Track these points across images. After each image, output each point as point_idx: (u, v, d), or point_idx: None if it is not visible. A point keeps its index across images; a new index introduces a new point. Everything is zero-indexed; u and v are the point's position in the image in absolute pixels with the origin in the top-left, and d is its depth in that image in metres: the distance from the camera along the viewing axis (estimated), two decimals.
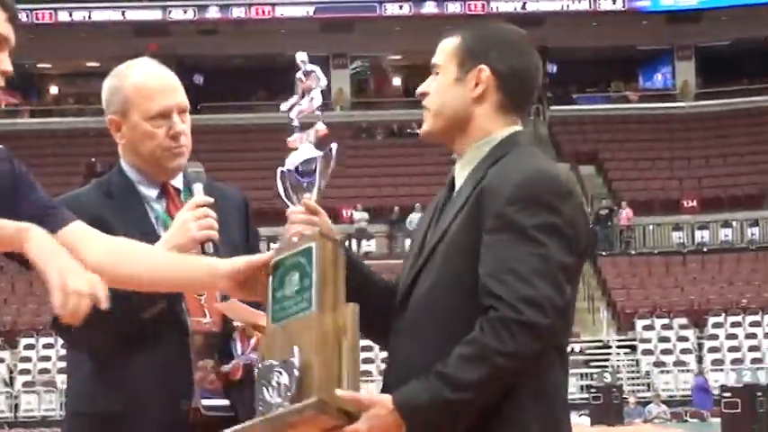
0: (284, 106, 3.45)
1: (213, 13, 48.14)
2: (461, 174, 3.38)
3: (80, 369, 3.69)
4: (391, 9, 48.08)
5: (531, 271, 3.08)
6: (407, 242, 43.54)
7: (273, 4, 48.06)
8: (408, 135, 49.30)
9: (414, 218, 44.33)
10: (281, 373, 3.12)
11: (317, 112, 3.44)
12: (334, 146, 3.37)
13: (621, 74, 49.72)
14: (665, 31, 47.80)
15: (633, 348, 36.27)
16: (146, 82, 3.79)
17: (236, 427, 3.25)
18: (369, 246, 43.99)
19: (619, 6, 47.21)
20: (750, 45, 47.18)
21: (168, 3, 48.35)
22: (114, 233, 3.55)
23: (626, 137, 46.39)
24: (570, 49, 47.86)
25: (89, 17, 47.33)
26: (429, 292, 3.29)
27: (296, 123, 3.47)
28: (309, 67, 3.43)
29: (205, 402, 3.66)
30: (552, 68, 50.20)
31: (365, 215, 44.29)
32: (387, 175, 45.67)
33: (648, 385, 33.99)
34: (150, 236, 3.67)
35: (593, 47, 47.81)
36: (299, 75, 3.44)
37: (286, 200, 3.43)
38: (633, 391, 33.74)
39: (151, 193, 3.81)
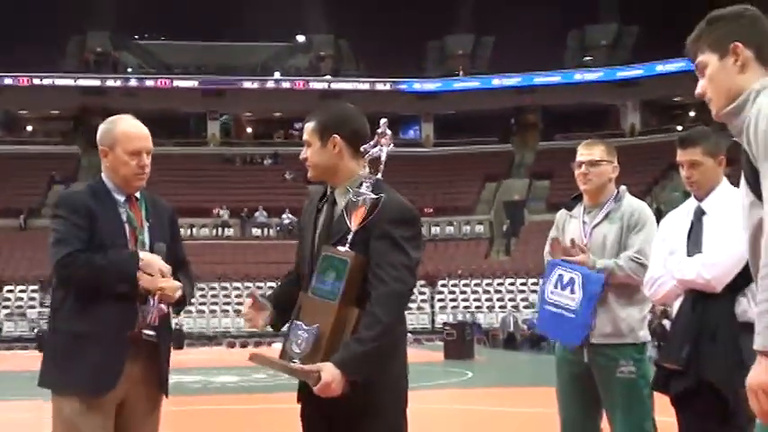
0: (363, 148, 3.40)
1: (133, 82, 47.53)
2: (341, 199, 3.39)
3: (63, 305, 3.70)
4: (246, 84, 48.06)
5: (400, 264, 3.23)
6: (254, 230, 43.57)
7: (172, 79, 47.71)
8: (256, 164, 49.06)
9: (258, 215, 44.19)
10: (304, 334, 3.25)
11: (382, 162, 3.41)
12: (382, 198, 3.30)
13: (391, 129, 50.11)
14: (416, 104, 48.47)
15: None
16: (129, 130, 3.87)
17: (268, 355, 3.47)
18: (229, 231, 43.71)
19: (387, 87, 47.74)
20: (469, 114, 48.14)
21: (104, 75, 47.74)
22: (97, 220, 3.70)
23: (391, 167, 46.64)
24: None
25: (53, 82, 46.25)
26: None
27: (365, 161, 3.43)
28: (387, 131, 3.42)
29: (144, 332, 3.73)
30: None
31: (227, 212, 44.02)
32: (241, 189, 45.35)
33: None
34: (119, 227, 3.77)
35: (372, 112, 47.97)
36: (379, 130, 3.42)
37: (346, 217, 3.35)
38: None
39: (120, 198, 3.81)
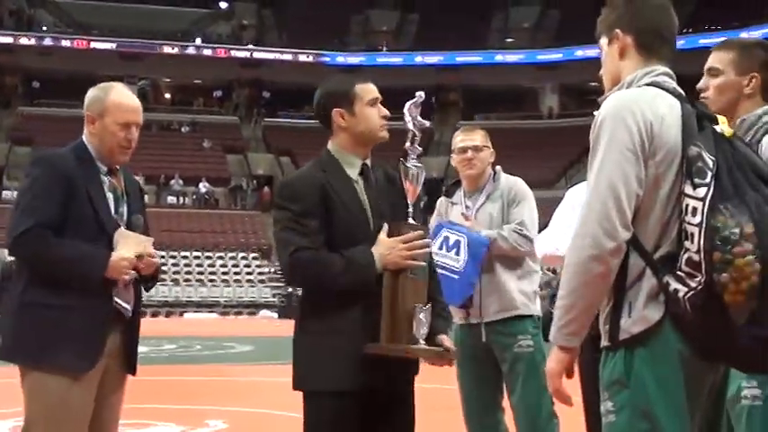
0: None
1: (48, 42, 46.38)
2: (377, 172, 3.36)
3: (33, 275, 3.45)
4: (166, 49, 47.35)
5: None
6: (169, 197, 43.08)
7: (89, 40, 46.71)
8: (173, 131, 48.45)
9: (174, 183, 43.67)
10: (425, 316, 3.16)
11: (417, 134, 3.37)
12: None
13: (309, 102, 49.16)
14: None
15: None
16: (122, 100, 3.64)
17: (392, 346, 3.17)
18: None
19: (310, 59, 47.53)
20: (390, 89, 47.78)
21: (17, 33, 46.38)
22: (79, 189, 3.47)
23: (311, 139, 46.59)
24: (282, 84, 48.18)
25: None
26: None
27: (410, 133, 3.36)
28: (420, 100, 3.36)
29: (121, 304, 3.56)
30: (267, 95, 50.29)
31: (142, 179, 43.38)
32: (157, 155, 44.74)
33: None
34: (103, 197, 3.55)
35: (293, 83, 47.98)
36: (411, 102, 3.35)
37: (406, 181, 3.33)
38: None
39: (103, 168, 3.60)
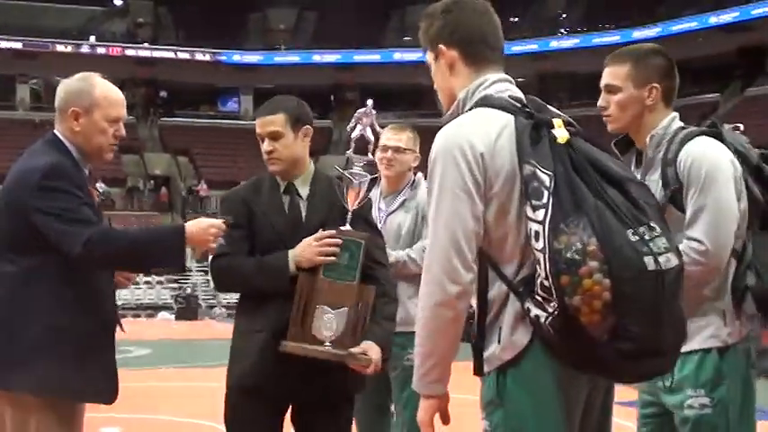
0: (348, 127, 3.40)
1: None
2: (303, 189, 3.47)
3: (51, 299, 3.13)
4: (59, 47, 46.18)
5: (384, 247, 3.73)
6: None
7: None
8: None
9: None
10: (333, 317, 3.23)
11: (370, 141, 3.45)
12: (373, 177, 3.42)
13: (206, 101, 49.49)
14: (235, 76, 47.95)
15: (207, 272, 36.17)
16: (111, 93, 3.34)
17: (302, 345, 3.22)
18: None
19: (207, 58, 47.03)
20: (289, 88, 47.84)
21: None
22: (83, 188, 3.23)
23: (209, 139, 46.11)
24: (178, 83, 47.59)
25: None
26: None
27: (352, 142, 3.41)
28: (371, 110, 3.37)
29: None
30: (164, 94, 49.63)
31: None
32: None
33: (214, 296, 33.65)
34: (93, 205, 3.28)
35: (190, 82, 47.44)
36: (361, 110, 3.42)
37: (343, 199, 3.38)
38: (205, 299, 33.74)
39: (86, 171, 3.33)
